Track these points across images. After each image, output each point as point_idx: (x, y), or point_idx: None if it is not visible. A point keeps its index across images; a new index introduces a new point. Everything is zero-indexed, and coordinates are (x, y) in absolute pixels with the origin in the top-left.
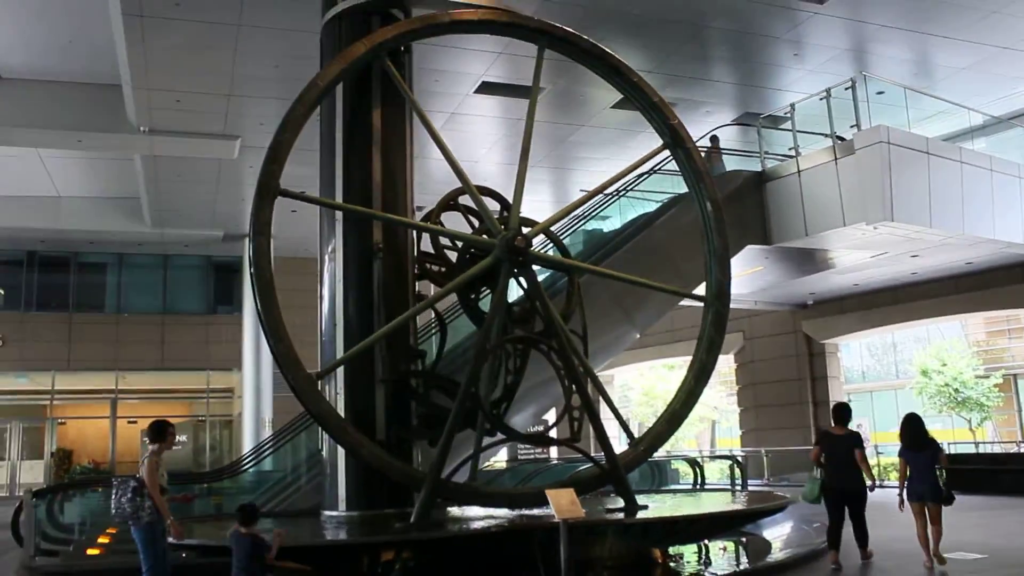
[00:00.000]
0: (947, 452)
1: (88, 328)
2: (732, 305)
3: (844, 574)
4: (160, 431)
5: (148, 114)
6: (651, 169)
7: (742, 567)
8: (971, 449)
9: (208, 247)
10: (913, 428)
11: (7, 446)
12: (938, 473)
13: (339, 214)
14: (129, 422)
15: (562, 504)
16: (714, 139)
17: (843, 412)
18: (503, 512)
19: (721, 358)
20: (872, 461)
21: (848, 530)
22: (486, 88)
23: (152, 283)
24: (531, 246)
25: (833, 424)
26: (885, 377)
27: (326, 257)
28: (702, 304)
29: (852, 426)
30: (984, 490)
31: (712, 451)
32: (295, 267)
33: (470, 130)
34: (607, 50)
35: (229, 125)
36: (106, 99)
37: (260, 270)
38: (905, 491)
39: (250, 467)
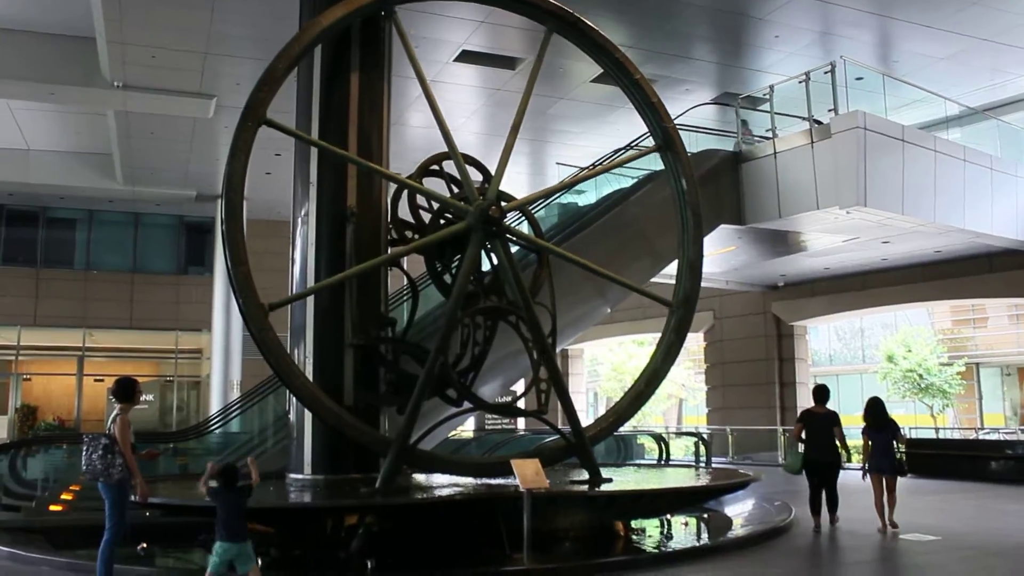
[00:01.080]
0: (908, 437)
1: (56, 284)
2: (703, 284)
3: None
4: (128, 390)
5: (122, 69)
6: (627, 146)
7: (704, 542)
8: (932, 435)
9: (180, 207)
10: (876, 410)
11: None
12: (896, 450)
13: (313, 178)
14: (96, 380)
15: (527, 474)
16: (744, 123)
17: (823, 393)
18: (468, 481)
19: (690, 336)
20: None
21: None
22: (466, 57)
23: (122, 241)
24: (504, 218)
25: (814, 404)
26: (852, 361)
27: (299, 220)
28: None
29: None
30: (943, 475)
31: (679, 428)
32: (267, 230)
33: (449, 99)
34: (614, 44)
35: (205, 83)
36: (80, 52)
37: (232, 193)
38: (867, 465)
39: (217, 428)
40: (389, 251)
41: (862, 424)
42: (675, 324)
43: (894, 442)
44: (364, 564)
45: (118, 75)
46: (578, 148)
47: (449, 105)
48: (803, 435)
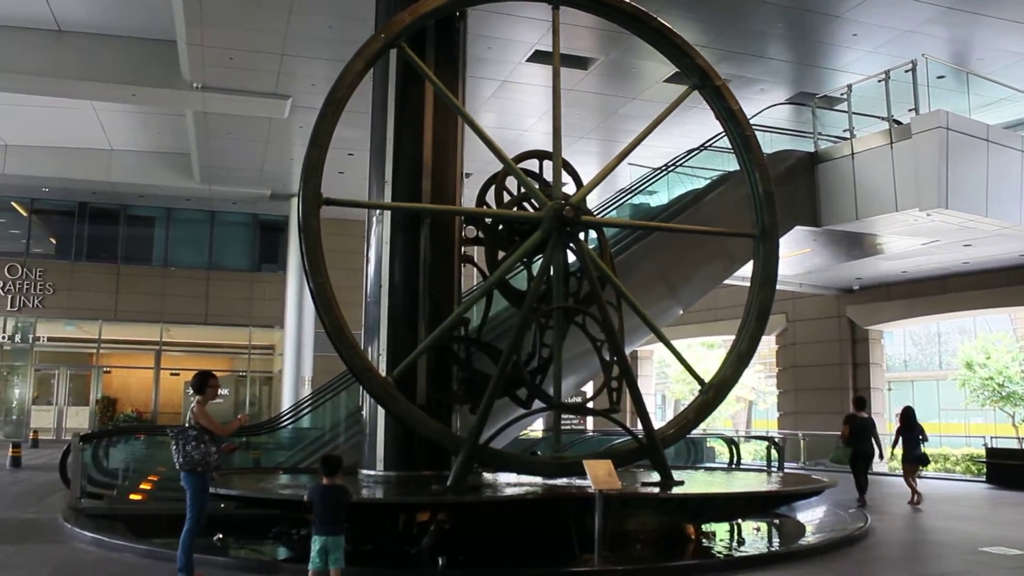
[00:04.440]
0: (990, 447)
1: (135, 280)
2: (776, 287)
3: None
4: (202, 382)
5: (201, 70)
6: (701, 146)
7: (776, 548)
8: (1013, 444)
9: (255, 205)
10: (908, 416)
11: (55, 391)
12: (922, 444)
13: (388, 178)
14: (172, 374)
15: (599, 475)
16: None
17: (862, 402)
18: (536, 480)
19: (762, 340)
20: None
21: None
22: (539, 57)
23: (199, 238)
24: (580, 213)
25: (855, 410)
26: (928, 367)
27: (374, 219)
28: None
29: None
30: None
31: (747, 432)
32: (340, 228)
33: (521, 99)
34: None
35: (281, 84)
36: (161, 54)
37: (319, 286)
38: (903, 455)
39: (289, 423)
40: (463, 251)
41: (931, 432)
42: (764, 255)
43: (920, 440)
44: (435, 560)
45: (197, 76)
46: (650, 148)
47: (521, 105)
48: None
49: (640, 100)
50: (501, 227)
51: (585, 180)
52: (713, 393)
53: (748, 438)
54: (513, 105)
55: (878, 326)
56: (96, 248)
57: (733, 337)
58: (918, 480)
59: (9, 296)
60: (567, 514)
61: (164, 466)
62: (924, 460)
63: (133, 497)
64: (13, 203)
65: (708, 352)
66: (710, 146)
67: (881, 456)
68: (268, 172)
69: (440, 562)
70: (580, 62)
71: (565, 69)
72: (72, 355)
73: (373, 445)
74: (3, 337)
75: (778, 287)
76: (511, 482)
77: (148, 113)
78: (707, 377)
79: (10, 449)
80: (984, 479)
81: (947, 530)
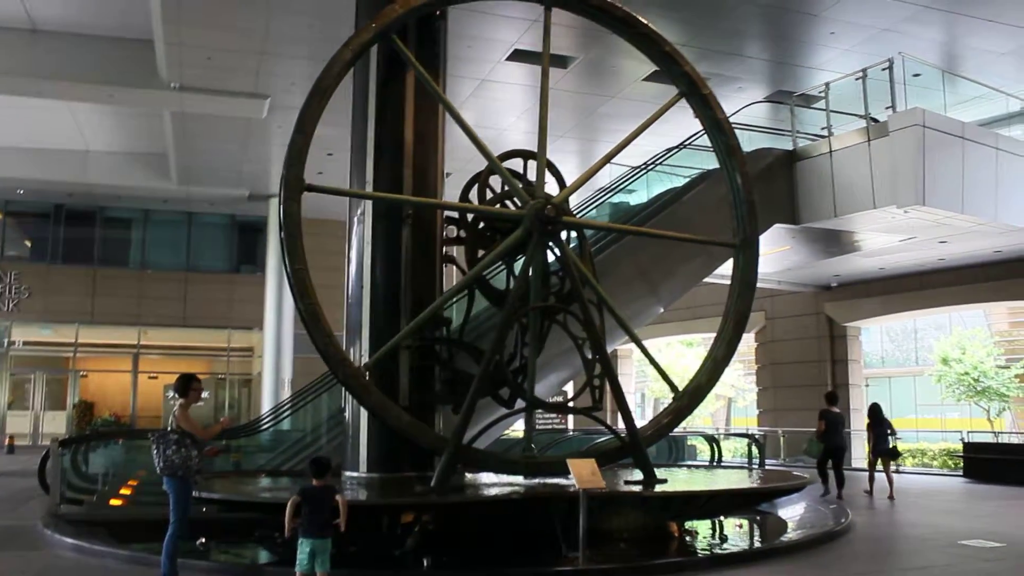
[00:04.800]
0: (968, 441)
1: (112, 282)
2: (755, 292)
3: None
4: (184, 385)
5: (179, 70)
6: (680, 144)
7: (761, 545)
8: (988, 439)
9: (233, 206)
10: (875, 412)
11: (31, 396)
12: (891, 438)
13: (369, 177)
14: (149, 377)
15: (583, 474)
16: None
17: (834, 397)
18: (518, 480)
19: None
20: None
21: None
22: (518, 56)
23: (176, 240)
24: (562, 213)
25: (828, 405)
26: (904, 363)
27: (355, 219)
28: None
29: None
30: (1002, 480)
31: (727, 429)
32: (319, 228)
33: (500, 97)
34: (612, 2)
35: (260, 84)
36: (138, 54)
37: (296, 271)
38: (872, 448)
39: (270, 426)
40: (444, 251)
41: (907, 427)
42: (743, 263)
43: (889, 434)
44: (420, 562)
45: (175, 76)
46: (629, 147)
47: (500, 104)
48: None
49: (619, 99)
50: (482, 226)
51: (564, 179)
52: (687, 400)
53: (729, 435)
54: (492, 104)
55: (856, 323)
56: (72, 250)
57: (712, 335)
58: (883, 474)
59: None
60: (552, 513)
61: (144, 470)
62: (894, 454)
63: (113, 502)
64: None
65: (687, 350)
66: (689, 144)
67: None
68: (246, 173)
69: (425, 563)
70: (560, 61)
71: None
72: (48, 359)
73: (356, 446)
74: None
75: (756, 284)
76: (493, 482)
77: (125, 114)
78: (687, 376)
79: None
80: (961, 473)
81: (926, 524)
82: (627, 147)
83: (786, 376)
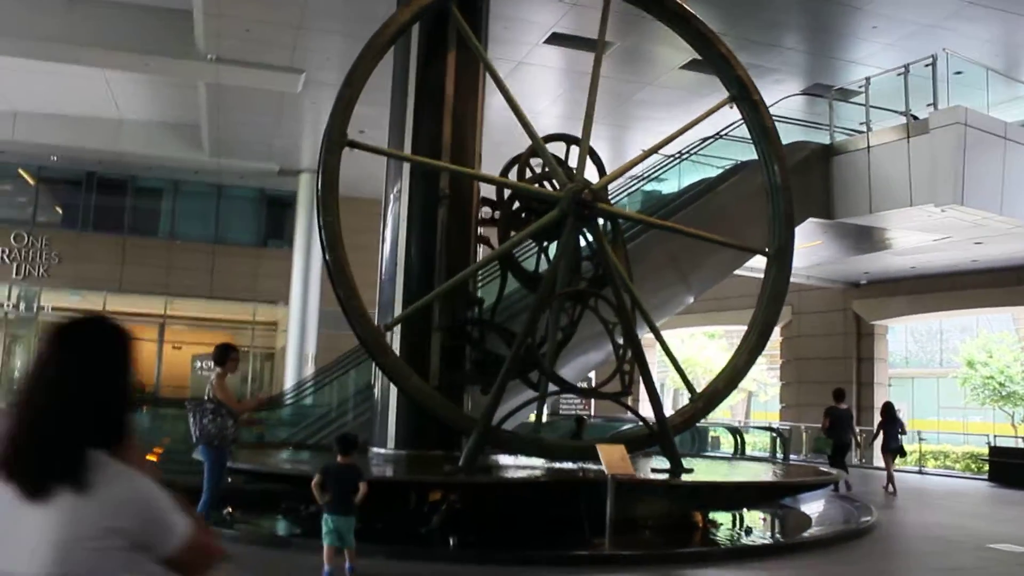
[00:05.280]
0: (993, 445)
1: (141, 252)
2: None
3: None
4: (222, 355)
5: (216, 42)
6: (716, 134)
7: (788, 539)
8: (1016, 443)
9: (263, 180)
10: (889, 410)
11: None
12: (900, 436)
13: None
14: (174, 347)
15: (613, 460)
16: None
17: (841, 395)
18: (541, 463)
19: None
20: (913, 447)
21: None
22: (556, 39)
23: (205, 212)
24: (598, 199)
25: (835, 402)
26: (928, 364)
27: (391, 198)
28: (762, 267)
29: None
30: None
31: (746, 422)
32: (349, 206)
33: (535, 80)
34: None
35: (295, 58)
36: (175, 24)
37: (328, 223)
38: (883, 446)
39: (300, 399)
40: (480, 231)
41: (929, 429)
42: (774, 275)
43: (899, 433)
44: (445, 540)
45: (212, 48)
46: (662, 135)
47: (534, 88)
48: (828, 424)
49: (655, 86)
50: (517, 206)
51: (605, 167)
52: (703, 403)
53: (752, 428)
54: (527, 87)
55: (884, 321)
56: (103, 218)
57: (736, 327)
58: (892, 474)
59: (14, 264)
60: (579, 498)
61: (168, 438)
62: (902, 452)
63: None
64: (20, 171)
65: (709, 342)
66: (724, 135)
67: (858, 446)
68: (277, 147)
69: (451, 542)
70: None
71: (580, 52)
72: None
73: (384, 423)
74: (8, 306)
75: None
76: (513, 464)
77: (159, 83)
78: (707, 368)
79: None
80: (986, 477)
81: (952, 526)
82: (655, 132)
83: (811, 372)
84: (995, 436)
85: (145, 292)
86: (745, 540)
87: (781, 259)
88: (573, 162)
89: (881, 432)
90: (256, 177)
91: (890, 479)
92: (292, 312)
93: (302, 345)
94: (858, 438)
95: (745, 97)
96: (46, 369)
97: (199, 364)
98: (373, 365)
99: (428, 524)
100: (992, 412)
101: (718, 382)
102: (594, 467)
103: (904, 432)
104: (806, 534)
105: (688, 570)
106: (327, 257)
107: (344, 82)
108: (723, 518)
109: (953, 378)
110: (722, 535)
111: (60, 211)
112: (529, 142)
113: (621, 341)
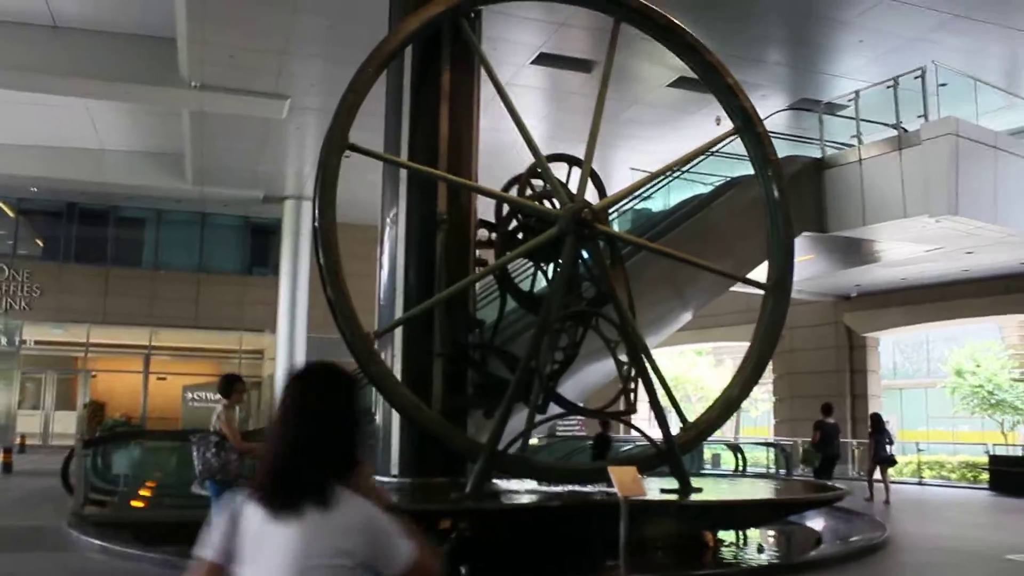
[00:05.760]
0: (992, 454)
1: (124, 282)
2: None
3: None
4: (228, 386)
5: (200, 69)
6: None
7: (802, 557)
8: (1015, 452)
9: (247, 207)
10: (878, 421)
11: (41, 396)
12: (888, 446)
13: (403, 178)
14: (159, 378)
15: (625, 481)
16: None
17: (829, 408)
18: (546, 487)
19: None
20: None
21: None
22: (543, 60)
23: (189, 241)
24: (598, 219)
25: (824, 416)
26: (915, 375)
27: (387, 222)
28: (760, 291)
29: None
30: None
31: (737, 438)
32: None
33: (521, 101)
34: (682, 26)
35: (280, 84)
36: (158, 52)
37: (325, 225)
38: (873, 455)
39: None
40: (478, 253)
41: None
42: (771, 307)
43: (888, 443)
44: (456, 570)
45: (196, 75)
46: (648, 154)
47: (520, 109)
48: (818, 438)
49: (642, 104)
50: (515, 225)
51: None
52: (695, 433)
53: (753, 444)
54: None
55: (875, 333)
56: (85, 250)
57: (728, 344)
58: (888, 484)
59: None
60: (591, 521)
61: (160, 472)
62: (891, 461)
63: (134, 504)
64: (0, 203)
65: (697, 359)
66: (716, 152)
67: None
68: (261, 174)
69: (463, 571)
70: (583, 65)
71: (566, 72)
72: (59, 359)
73: (387, 450)
74: None
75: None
76: (516, 488)
77: (141, 112)
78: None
79: (0, 454)
80: (986, 486)
81: (966, 537)
82: (641, 151)
83: (804, 386)
84: (994, 445)
85: (129, 323)
86: (760, 559)
87: (779, 291)
88: (572, 185)
89: (871, 442)
90: (240, 205)
91: (886, 488)
92: (279, 340)
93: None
94: (854, 451)
95: (749, 128)
96: (294, 410)
97: (190, 395)
98: (374, 391)
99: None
100: (981, 421)
101: (711, 412)
102: (607, 489)
103: (892, 442)
104: (822, 551)
105: None
106: (320, 260)
107: (348, 88)
108: (730, 536)
109: (942, 388)
110: (734, 554)
111: (41, 243)
112: (522, 163)
113: (624, 359)
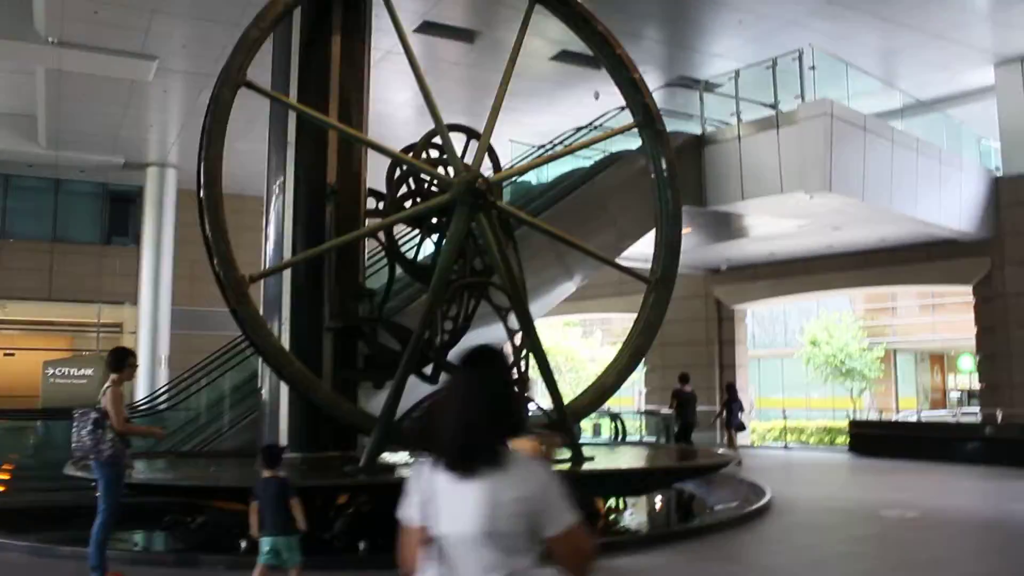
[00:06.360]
0: (853, 419)
1: None
2: (646, 265)
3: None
4: (120, 359)
5: (60, 24)
6: (590, 125)
7: (695, 522)
8: (853, 416)
9: (106, 174)
10: (732, 389)
11: None
12: (739, 413)
13: (290, 148)
14: (6, 354)
15: (524, 451)
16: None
17: (686, 378)
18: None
19: (624, 316)
20: (778, 423)
21: None
22: (426, 28)
23: (41, 208)
24: (491, 190)
25: (681, 385)
26: (771, 345)
27: (274, 190)
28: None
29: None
30: (885, 454)
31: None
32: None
33: (400, 70)
34: (594, 16)
35: (148, 44)
36: (10, 2)
37: (210, 158)
38: (728, 422)
39: (173, 405)
40: (368, 222)
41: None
42: (654, 301)
43: (739, 410)
44: (354, 545)
45: (54, 31)
46: (526, 126)
47: (399, 76)
48: (674, 405)
49: (523, 77)
50: (403, 193)
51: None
52: (571, 416)
53: (640, 414)
54: (390, 77)
55: (743, 305)
56: None
57: (602, 315)
58: (736, 444)
59: None
60: None
61: (17, 454)
62: (741, 427)
63: None
64: None
65: (567, 330)
66: (598, 125)
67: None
68: (123, 139)
69: (361, 547)
70: (466, 35)
71: (448, 42)
72: None
73: (275, 425)
74: None
75: (647, 265)
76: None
77: None
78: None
79: None
80: (846, 449)
81: (840, 497)
82: (518, 123)
83: (675, 356)
84: (847, 411)
85: None
86: (653, 526)
87: (662, 287)
88: (468, 158)
89: (724, 410)
90: (98, 171)
91: (734, 449)
92: (142, 313)
93: (154, 347)
94: (721, 417)
95: (649, 125)
96: (467, 391)
97: (51, 371)
98: (260, 362)
99: (331, 529)
100: (832, 388)
101: (584, 398)
102: None
103: (743, 410)
104: (715, 515)
105: (604, 560)
106: (201, 194)
107: (251, 24)
108: (622, 504)
109: (797, 358)
110: (628, 522)
111: None
112: (408, 136)
113: (513, 328)
